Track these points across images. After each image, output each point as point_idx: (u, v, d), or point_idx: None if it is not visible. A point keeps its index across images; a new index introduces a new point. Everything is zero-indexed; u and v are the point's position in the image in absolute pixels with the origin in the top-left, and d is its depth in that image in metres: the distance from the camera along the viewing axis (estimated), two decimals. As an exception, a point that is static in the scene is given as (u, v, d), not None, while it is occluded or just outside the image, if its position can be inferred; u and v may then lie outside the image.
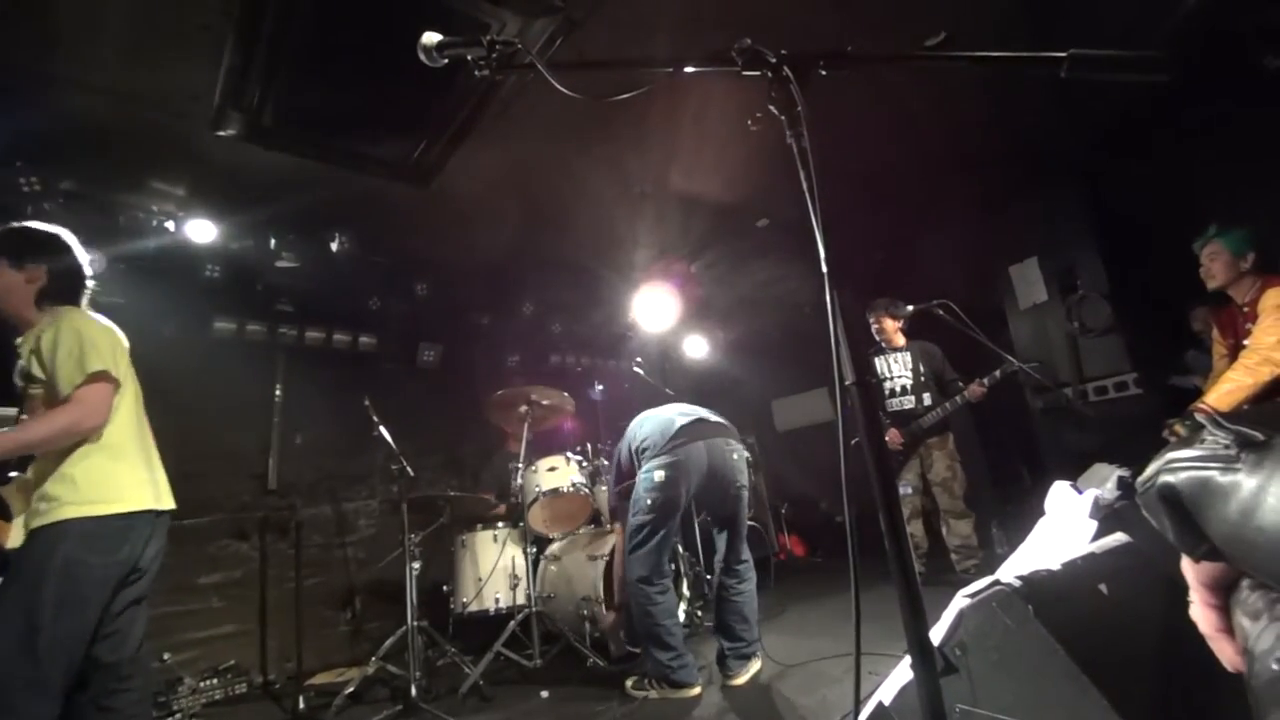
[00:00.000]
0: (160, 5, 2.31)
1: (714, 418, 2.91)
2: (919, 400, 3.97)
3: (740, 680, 2.64)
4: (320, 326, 4.43)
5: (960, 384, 3.91)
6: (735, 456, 2.82)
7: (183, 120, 2.87)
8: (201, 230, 3.54)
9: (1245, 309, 2.66)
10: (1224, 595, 0.57)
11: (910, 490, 3.94)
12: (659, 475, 2.68)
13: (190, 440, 3.66)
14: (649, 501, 2.68)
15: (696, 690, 2.60)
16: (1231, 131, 3.63)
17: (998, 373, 3.72)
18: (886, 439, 3.87)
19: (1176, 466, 0.52)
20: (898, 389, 4.02)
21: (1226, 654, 0.57)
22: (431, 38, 1.01)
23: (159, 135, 2.98)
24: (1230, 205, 3.24)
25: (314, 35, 2.51)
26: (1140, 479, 0.56)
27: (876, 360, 4.10)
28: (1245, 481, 0.46)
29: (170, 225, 3.50)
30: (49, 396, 1.78)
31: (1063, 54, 0.87)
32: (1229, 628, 0.56)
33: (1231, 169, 3.63)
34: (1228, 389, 2.54)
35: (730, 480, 2.78)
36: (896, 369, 4.06)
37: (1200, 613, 0.59)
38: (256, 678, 3.65)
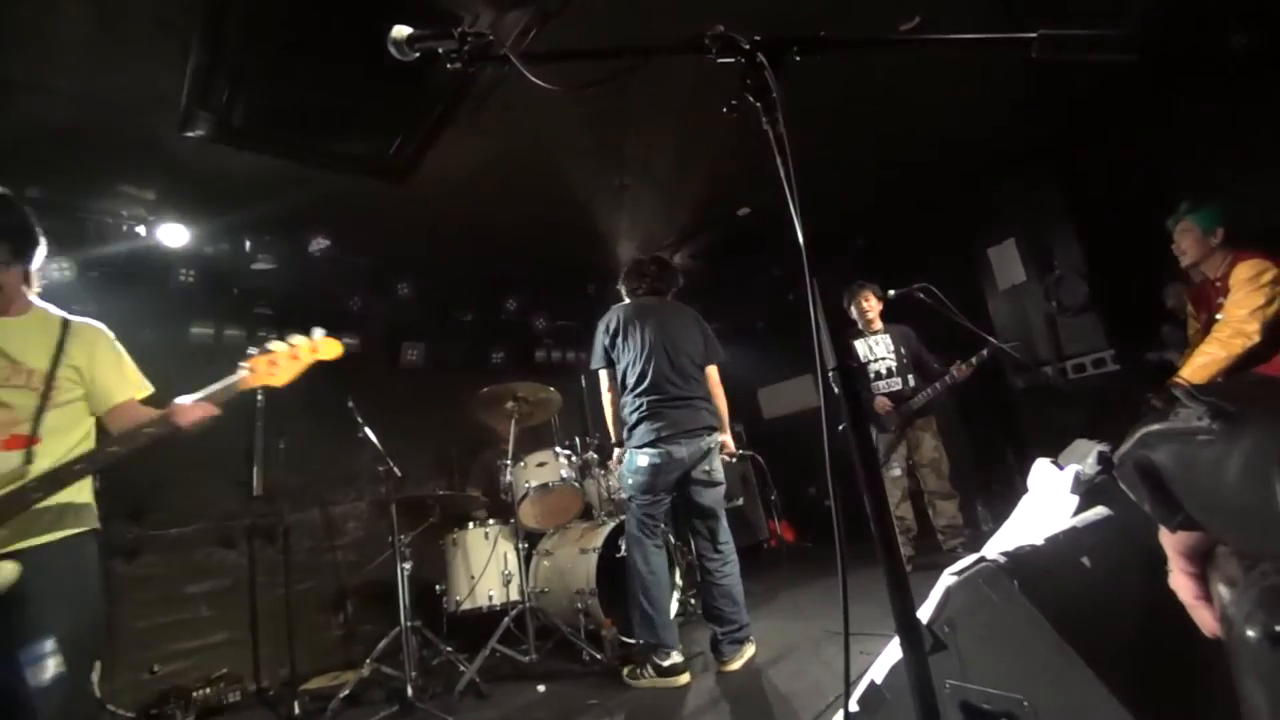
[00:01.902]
0: (122, 3, 2.24)
1: (692, 417, 2.87)
2: (905, 382, 4.00)
3: (735, 665, 2.67)
4: (300, 328, 4.29)
5: (937, 366, 3.97)
6: (710, 450, 2.89)
7: (150, 122, 2.80)
8: (174, 234, 3.47)
9: (1217, 284, 2.72)
10: (1201, 564, 0.58)
11: (899, 472, 3.98)
12: (643, 460, 2.79)
13: (171, 449, 3.59)
14: (631, 481, 2.83)
15: (684, 678, 2.64)
16: (1202, 110, 3.70)
17: (985, 352, 3.77)
18: (876, 407, 3.90)
19: (1152, 440, 0.53)
20: (883, 371, 4.05)
21: (1205, 620, 0.58)
22: (402, 31, 0.99)
23: (125, 138, 2.90)
24: (1202, 182, 3.30)
25: (282, 31, 2.46)
26: (1118, 452, 0.57)
27: (858, 343, 4.11)
28: (1218, 452, 0.47)
29: (141, 230, 3.42)
30: None
31: (1032, 34, 0.87)
32: (1207, 595, 0.58)
33: (1203, 146, 3.69)
34: (1202, 362, 2.59)
35: (707, 472, 2.86)
36: (879, 350, 4.09)
37: (1179, 581, 0.61)
38: (250, 685, 3.61)
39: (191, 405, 1.70)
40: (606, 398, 3.00)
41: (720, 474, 2.92)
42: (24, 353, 1.60)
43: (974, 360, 3.79)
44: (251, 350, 1.85)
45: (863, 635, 2.26)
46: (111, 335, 1.82)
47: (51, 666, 1.38)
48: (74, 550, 1.56)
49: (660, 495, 2.82)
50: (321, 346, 2.00)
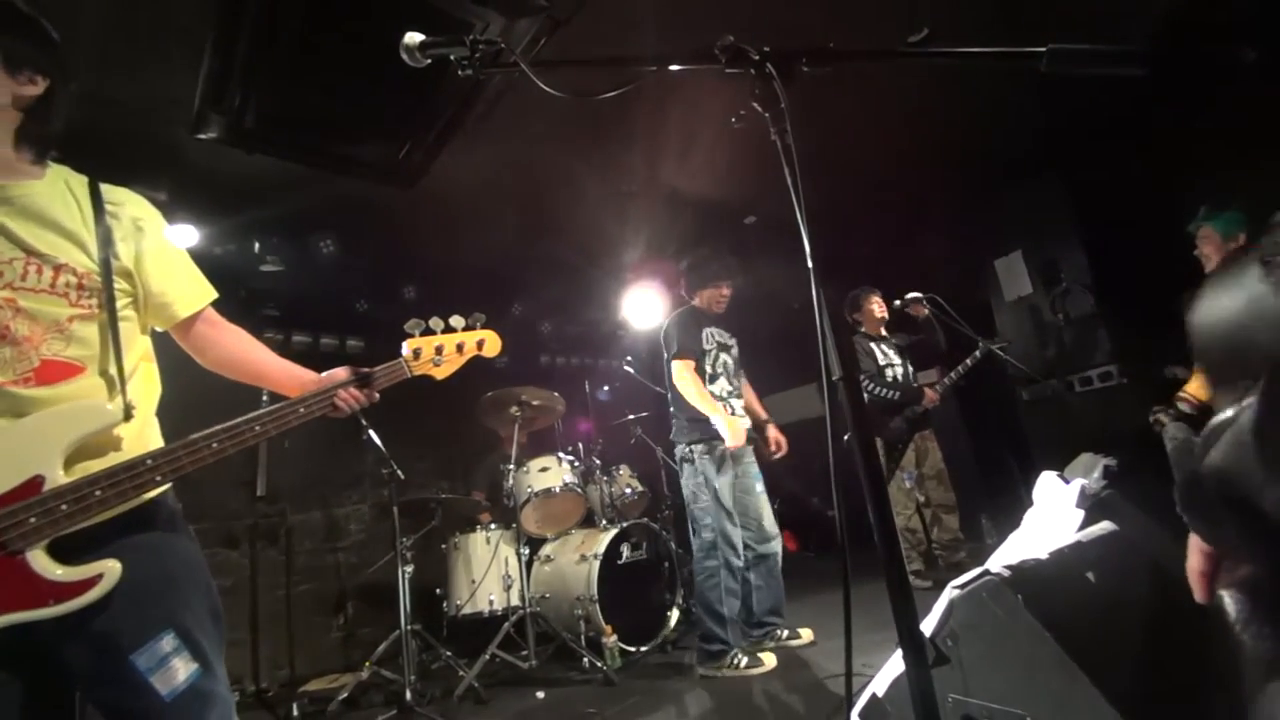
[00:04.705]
0: (137, 6, 2.27)
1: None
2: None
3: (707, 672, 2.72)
4: (307, 330, 4.39)
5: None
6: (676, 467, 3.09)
7: (162, 124, 2.83)
8: (183, 235, 3.50)
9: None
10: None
11: (912, 484, 3.94)
12: None
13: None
14: None
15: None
16: (1211, 122, 3.69)
17: (977, 353, 3.77)
18: (929, 399, 3.88)
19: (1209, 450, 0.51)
20: (899, 376, 4.03)
21: (1199, 590, 0.58)
22: (414, 38, 1.00)
23: (138, 139, 2.93)
24: (1209, 195, 3.29)
25: (295, 36, 2.48)
26: (1176, 488, 0.55)
27: (873, 345, 4.09)
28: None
29: (151, 230, 3.45)
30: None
31: (1041, 49, 0.87)
32: (1212, 573, 0.57)
33: (1211, 159, 3.68)
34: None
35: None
36: (894, 356, 4.07)
37: (1193, 561, 0.59)
38: (249, 686, 3.61)
39: (349, 384, 1.37)
40: None
41: (687, 491, 2.99)
42: (41, 236, 1.12)
43: (967, 363, 3.79)
44: (412, 330, 1.49)
45: (863, 647, 2.26)
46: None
47: (180, 667, 1.02)
48: (166, 512, 1.15)
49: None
50: (487, 342, 1.63)
